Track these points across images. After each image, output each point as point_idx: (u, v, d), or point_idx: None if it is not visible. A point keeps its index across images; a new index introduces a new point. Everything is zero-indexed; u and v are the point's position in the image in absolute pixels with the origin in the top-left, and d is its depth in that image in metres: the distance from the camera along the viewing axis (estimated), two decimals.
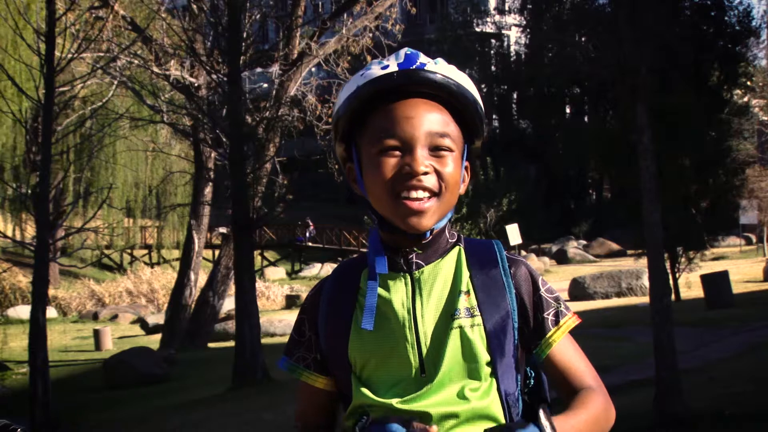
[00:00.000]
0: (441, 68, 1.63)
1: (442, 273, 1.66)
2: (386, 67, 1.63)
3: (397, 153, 1.60)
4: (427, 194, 1.59)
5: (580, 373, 1.67)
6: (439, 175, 1.60)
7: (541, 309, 1.67)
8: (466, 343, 1.60)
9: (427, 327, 1.62)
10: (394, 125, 1.60)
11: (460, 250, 1.69)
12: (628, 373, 11.53)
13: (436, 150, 1.60)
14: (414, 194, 1.58)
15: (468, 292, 1.64)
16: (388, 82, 1.61)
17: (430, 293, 1.64)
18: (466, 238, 1.73)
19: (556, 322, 1.67)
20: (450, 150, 1.62)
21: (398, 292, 1.64)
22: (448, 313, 1.62)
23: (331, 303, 1.69)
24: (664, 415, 8.72)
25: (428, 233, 1.64)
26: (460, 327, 1.60)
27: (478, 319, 1.61)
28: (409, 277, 1.65)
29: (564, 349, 1.67)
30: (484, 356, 1.60)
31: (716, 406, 9.01)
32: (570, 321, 1.69)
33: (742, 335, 13.84)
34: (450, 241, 1.69)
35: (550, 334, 1.66)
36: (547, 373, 1.70)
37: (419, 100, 1.62)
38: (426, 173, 1.58)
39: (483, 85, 42.46)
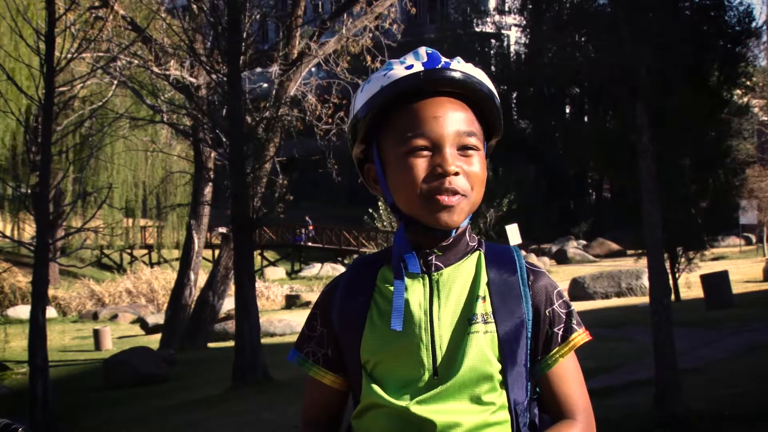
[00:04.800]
0: (462, 66, 1.63)
1: (461, 276, 1.64)
2: (410, 66, 1.62)
3: (426, 153, 1.59)
4: (457, 196, 1.59)
5: (572, 400, 1.64)
6: (467, 176, 1.60)
7: (553, 324, 1.65)
8: (479, 349, 1.58)
9: (443, 330, 1.60)
10: (422, 125, 1.59)
11: (480, 254, 1.67)
12: (628, 373, 11.52)
13: (463, 149, 1.60)
14: (446, 195, 1.58)
15: (484, 298, 1.62)
16: (415, 83, 1.60)
17: (449, 296, 1.62)
18: (487, 242, 1.71)
19: (564, 339, 1.65)
20: (476, 149, 1.61)
21: (416, 294, 1.63)
22: (466, 317, 1.60)
23: (346, 300, 1.67)
24: (664, 415, 8.72)
25: (452, 232, 1.63)
26: (477, 332, 1.59)
27: (492, 326, 1.60)
28: (427, 278, 1.63)
29: (564, 370, 1.65)
30: (495, 364, 1.59)
31: (716, 406, 9.01)
32: (579, 338, 1.67)
33: (742, 335, 13.81)
34: (471, 244, 1.67)
35: (555, 350, 1.65)
36: (541, 389, 1.67)
37: (444, 98, 1.62)
38: (456, 173, 1.58)
39: None
